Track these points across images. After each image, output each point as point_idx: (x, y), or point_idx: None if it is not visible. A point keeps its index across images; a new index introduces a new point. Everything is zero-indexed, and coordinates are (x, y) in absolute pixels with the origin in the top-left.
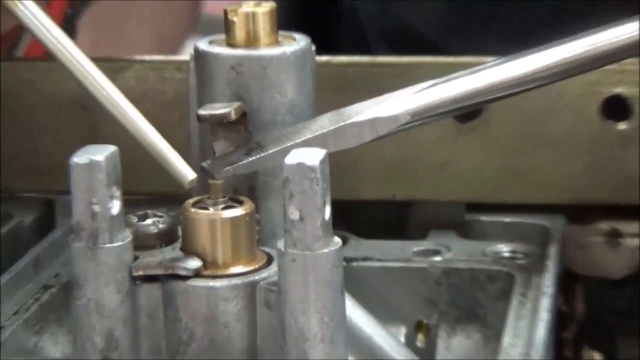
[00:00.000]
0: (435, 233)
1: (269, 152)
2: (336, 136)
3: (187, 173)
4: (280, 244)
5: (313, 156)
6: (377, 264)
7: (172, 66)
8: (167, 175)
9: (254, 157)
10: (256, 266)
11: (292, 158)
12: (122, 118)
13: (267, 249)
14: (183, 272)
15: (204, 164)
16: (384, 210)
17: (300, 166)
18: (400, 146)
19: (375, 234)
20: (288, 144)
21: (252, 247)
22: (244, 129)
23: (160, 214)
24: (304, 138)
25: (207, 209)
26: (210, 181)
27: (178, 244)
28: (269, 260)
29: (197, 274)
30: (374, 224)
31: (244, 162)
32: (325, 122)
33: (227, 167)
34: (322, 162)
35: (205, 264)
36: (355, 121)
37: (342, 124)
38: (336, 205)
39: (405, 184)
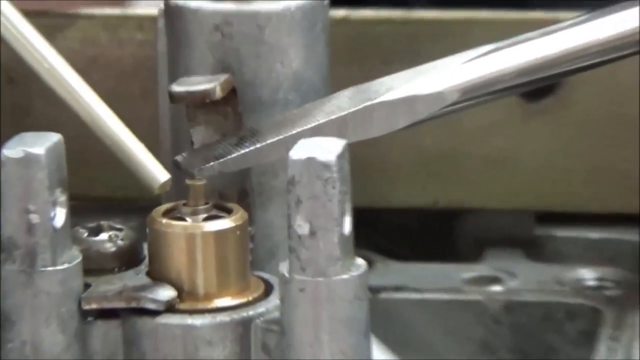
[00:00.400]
0: (493, 253)
1: (267, 142)
2: (359, 121)
3: (157, 173)
4: (284, 268)
5: (328, 148)
6: (414, 295)
7: (131, 23)
8: (128, 175)
9: (246, 150)
10: (250, 298)
11: (299, 151)
12: (64, 95)
13: (265, 275)
14: (151, 306)
15: (178, 159)
16: (422, 222)
17: (311, 162)
18: (445, 135)
19: (411, 254)
20: (293, 132)
21: (244, 272)
22: (232, 111)
23: (118, 226)
24: (315, 123)
25: (184, 219)
26: (188, 182)
27: (144, 267)
28: (268, 289)
29: (171, 307)
30: (409, 240)
31: (233, 155)
32: (343, 102)
33: (211, 163)
34: (340, 156)
35: (181, 295)
36: (384, 100)
37: (368, 103)
38: (359, 216)
39: (451, 186)
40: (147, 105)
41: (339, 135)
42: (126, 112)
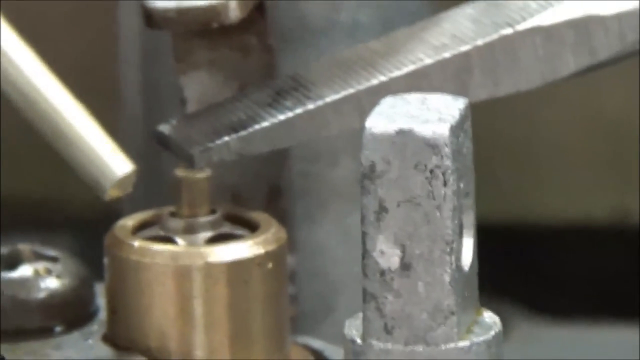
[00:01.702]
0: None
1: (324, 100)
2: (493, 62)
3: (112, 160)
4: (352, 329)
5: (436, 113)
6: None
7: None
8: (61, 165)
9: (285, 115)
10: None
11: (382, 118)
12: None
13: (316, 343)
14: None
15: (163, 130)
16: (597, 248)
17: (406, 138)
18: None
19: (578, 308)
20: (372, 82)
21: (279, 337)
22: (259, 43)
23: (51, 253)
24: (412, 67)
25: (172, 240)
26: (179, 173)
27: (97, 328)
28: None
29: None
30: (576, 287)
31: (262, 125)
32: (463, 27)
33: (223, 138)
34: (457, 128)
35: None
36: (539, 26)
37: (508, 30)
38: (487, 238)
39: None
40: (97, 33)
41: (457, 89)
42: (57, 45)
